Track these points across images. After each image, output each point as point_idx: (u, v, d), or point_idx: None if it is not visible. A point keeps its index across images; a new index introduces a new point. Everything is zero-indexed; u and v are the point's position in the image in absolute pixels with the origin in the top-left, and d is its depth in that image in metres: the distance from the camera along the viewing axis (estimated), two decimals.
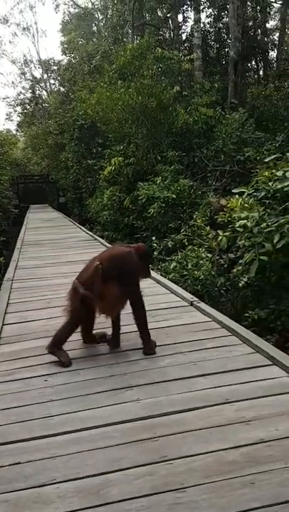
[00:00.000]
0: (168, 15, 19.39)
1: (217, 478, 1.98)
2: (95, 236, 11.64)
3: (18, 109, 31.72)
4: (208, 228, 7.17)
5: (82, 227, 14.33)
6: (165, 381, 2.95)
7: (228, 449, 2.19)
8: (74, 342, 3.76)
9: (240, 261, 6.16)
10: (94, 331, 3.77)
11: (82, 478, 2.04)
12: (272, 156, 6.00)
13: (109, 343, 3.66)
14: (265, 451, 2.16)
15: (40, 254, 9.02)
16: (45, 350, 3.51)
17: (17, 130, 34.11)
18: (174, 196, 9.36)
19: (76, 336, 3.85)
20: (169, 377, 3.00)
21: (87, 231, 13.11)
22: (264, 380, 2.88)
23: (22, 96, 31.39)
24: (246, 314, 5.92)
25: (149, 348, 3.46)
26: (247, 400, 2.65)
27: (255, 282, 6.09)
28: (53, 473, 2.08)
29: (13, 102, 31.87)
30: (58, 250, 9.41)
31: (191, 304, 4.63)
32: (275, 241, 5.32)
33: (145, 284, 5.03)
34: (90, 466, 2.12)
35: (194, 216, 8.38)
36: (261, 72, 20.55)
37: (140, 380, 2.98)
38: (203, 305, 4.51)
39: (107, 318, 3.61)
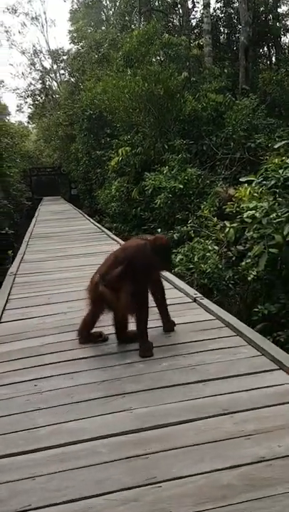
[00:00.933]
0: (177, 0, 18.91)
1: (209, 506, 1.76)
2: (103, 228, 11.44)
3: (29, 100, 31.55)
4: (215, 219, 6.91)
5: (91, 219, 14.15)
6: (161, 387, 2.73)
7: (224, 469, 1.97)
8: (70, 342, 3.58)
9: (249, 253, 5.89)
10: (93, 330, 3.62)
11: (60, 504, 1.84)
12: (283, 142, 5.71)
13: (164, 327, 3.66)
14: (265, 472, 1.94)
15: (47, 248, 8.87)
16: (39, 351, 3.40)
17: (28, 122, 33.95)
18: (181, 186, 9.08)
19: (72, 336, 3.67)
20: (166, 382, 2.79)
21: (96, 223, 12.92)
22: (268, 387, 2.65)
23: (32, 87, 31.19)
24: (256, 309, 5.68)
25: (144, 350, 3.26)
26: (248, 410, 2.42)
27: (265, 276, 5.83)
28: (30, 498, 1.88)
29: (23, 94, 31.68)
30: (65, 243, 9.24)
31: (195, 300, 4.40)
32: (285, 232, 5.06)
33: None
34: (70, 489, 1.92)
35: (202, 207, 8.10)
36: (274, 59, 20.01)
37: (134, 386, 2.77)
38: (206, 301, 4.27)
39: (127, 316, 3.46)
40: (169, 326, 3.67)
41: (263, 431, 2.23)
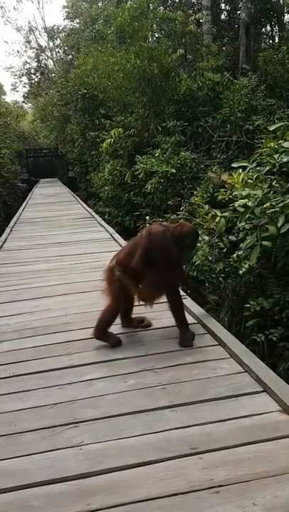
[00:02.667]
0: None
1: None
2: (93, 213, 10.98)
3: (24, 79, 30.69)
4: (207, 207, 6.40)
5: (83, 204, 13.67)
6: (121, 415, 2.29)
7: None
8: (28, 350, 3.15)
9: (241, 245, 5.42)
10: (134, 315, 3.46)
11: None
12: (278, 124, 5.18)
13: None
14: None
15: (30, 234, 8.43)
16: None
17: (23, 102, 33.13)
18: (174, 171, 8.55)
19: (33, 343, 3.24)
20: (127, 408, 2.35)
21: (87, 208, 12.45)
22: (248, 416, 2.21)
23: (28, 65, 30.32)
24: (247, 305, 5.25)
25: (184, 339, 3.06)
26: (221, 449, 1.98)
27: (257, 270, 5.37)
28: None
29: (18, 72, 30.80)
30: (50, 229, 8.80)
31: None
32: (279, 224, 4.57)
33: None
34: None
35: (195, 193, 7.60)
36: (277, 39, 19.21)
37: (90, 413, 2.33)
38: (189, 302, 3.81)
39: (146, 306, 3.30)
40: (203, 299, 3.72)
41: (237, 481, 1.79)
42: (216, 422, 2.18)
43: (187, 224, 3.45)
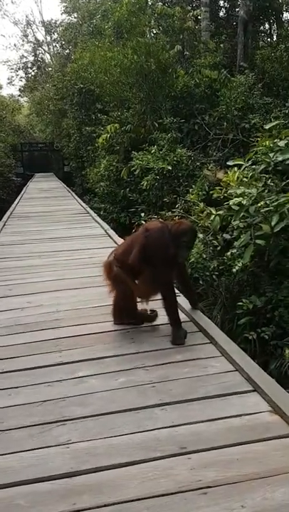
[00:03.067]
0: None
1: None
2: (88, 209, 10.92)
3: (21, 73, 30.48)
4: (202, 205, 6.38)
5: (79, 199, 13.61)
6: (110, 413, 2.27)
7: None
8: (19, 347, 3.12)
9: (235, 243, 5.41)
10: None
11: None
12: (274, 123, 5.17)
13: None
14: None
15: (25, 229, 8.36)
16: None
17: (19, 95, 32.91)
18: (170, 168, 8.52)
19: (24, 339, 3.21)
20: (117, 406, 2.32)
21: (82, 203, 12.39)
22: (238, 416, 2.19)
23: (24, 59, 30.09)
24: (240, 303, 5.24)
25: (176, 337, 3.05)
26: (210, 450, 1.97)
27: (251, 268, 5.36)
28: None
29: (14, 66, 30.57)
30: (45, 225, 8.72)
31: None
32: (273, 223, 4.57)
33: None
34: None
35: (190, 190, 7.57)
36: (275, 37, 19.15)
37: (79, 411, 2.30)
38: (183, 299, 3.78)
39: (142, 301, 3.32)
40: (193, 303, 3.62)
41: (225, 482, 1.77)
42: (205, 421, 2.16)
43: (185, 222, 3.44)
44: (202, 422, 2.16)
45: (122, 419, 2.22)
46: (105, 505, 1.69)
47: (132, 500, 1.70)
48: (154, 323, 3.37)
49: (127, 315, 3.36)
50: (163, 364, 2.76)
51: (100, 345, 3.06)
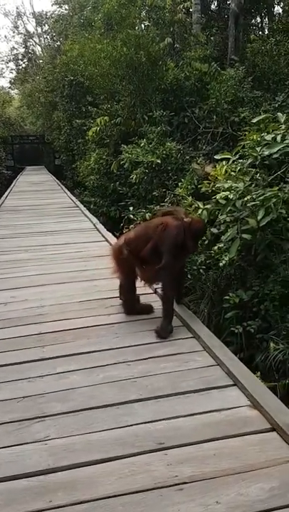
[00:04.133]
0: None
1: None
2: (78, 203, 10.88)
3: (11, 65, 30.16)
4: (190, 199, 6.35)
5: (68, 193, 13.54)
6: (89, 408, 2.27)
7: None
8: (9, 340, 3.10)
9: (222, 237, 5.40)
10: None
11: None
12: (261, 116, 5.14)
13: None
14: None
15: (13, 223, 8.29)
16: None
17: (10, 88, 32.58)
18: (159, 161, 8.48)
19: (6, 334, 3.19)
20: (97, 402, 2.32)
21: (72, 197, 12.33)
22: (217, 411, 2.20)
23: (15, 51, 29.76)
24: (226, 297, 5.24)
25: (162, 330, 3.06)
26: (187, 445, 1.97)
27: (238, 263, 5.36)
28: None
29: (5, 58, 30.24)
30: (34, 218, 8.67)
31: (155, 291, 3.92)
32: (259, 217, 4.56)
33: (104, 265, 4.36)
34: None
35: (180, 184, 7.54)
36: (267, 31, 19.07)
37: (59, 406, 2.29)
38: None
39: (144, 285, 3.48)
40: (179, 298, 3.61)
41: (201, 478, 1.78)
42: (184, 416, 2.17)
43: (198, 219, 3.54)
44: (181, 417, 2.16)
45: (101, 415, 2.22)
46: (81, 502, 1.68)
47: (108, 497, 1.70)
48: (141, 317, 3.37)
49: (124, 303, 3.50)
50: (145, 359, 2.75)
51: (84, 340, 3.05)
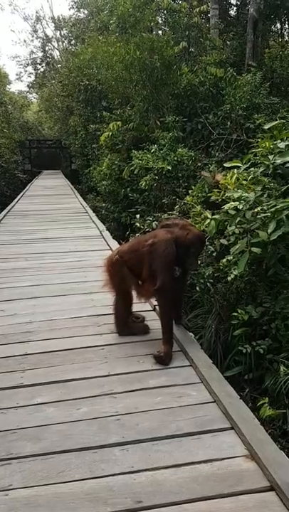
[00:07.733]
0: None
1: None
2: (88, 209, 10.66)
3: (29, 69, 30.25)
4: (199, 207, 6.06)
5: (80, 197, 13.37)
6: (63, 452, 1.98)
7: None
8: None
9: (231, 249, 5.10)
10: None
11: None
12: (274, 122, 4.84)
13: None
14: None
15: (18, 228, 8.09)
16: None
17: (28, 92, 32.72)
18: (170, 168, 8.20)
19: None
20: (72, 443, 2.03)
21: (83, 202, 12.15)
22: (208, 461, 1.89)
23: (34, 55, 29.85)
24: (234, 313, 4.93)
25: (161, 357, 2.76)
26: (169, 505, 1.67)
27: (247, 277, 5.05)
28: None
29: (23, 62, 30.36)
30: (40, 224, 8.47)
31: (154, 308, 3.64)
32: (270, 230, 4.24)
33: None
34: None
35: (190, 192, 7.25)
36: (286, 37, 18.72)
37: (29, 447, 2.02)
38: None
39: (141, 300, 3.23)
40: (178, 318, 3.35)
41: None
42: (170, 467, 1.87)
43: (194, 230, 3.17)
44: (166, 467, 1.87)
45: (75, 460, 1.93)
46: None
47: None
48: (133, 339, 3.09)
49: (115, 322, 3.25)
50: (133, 391, 2.47)
51: (68, 364, 2.77)
